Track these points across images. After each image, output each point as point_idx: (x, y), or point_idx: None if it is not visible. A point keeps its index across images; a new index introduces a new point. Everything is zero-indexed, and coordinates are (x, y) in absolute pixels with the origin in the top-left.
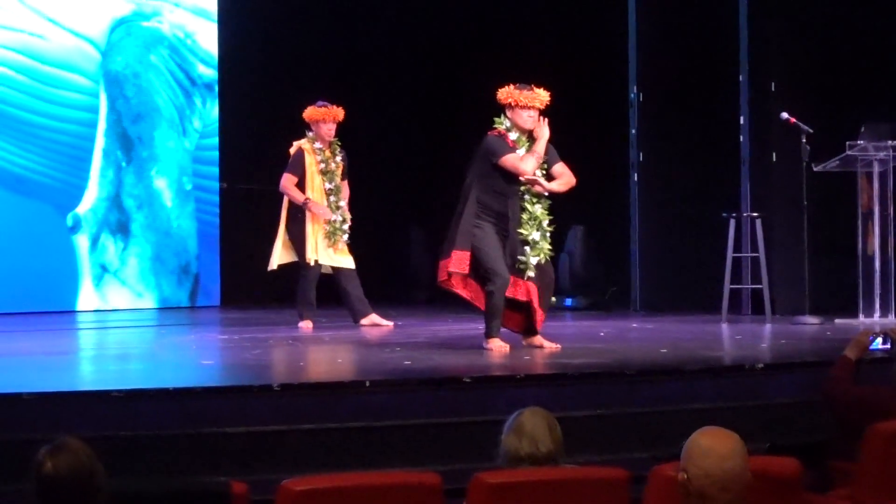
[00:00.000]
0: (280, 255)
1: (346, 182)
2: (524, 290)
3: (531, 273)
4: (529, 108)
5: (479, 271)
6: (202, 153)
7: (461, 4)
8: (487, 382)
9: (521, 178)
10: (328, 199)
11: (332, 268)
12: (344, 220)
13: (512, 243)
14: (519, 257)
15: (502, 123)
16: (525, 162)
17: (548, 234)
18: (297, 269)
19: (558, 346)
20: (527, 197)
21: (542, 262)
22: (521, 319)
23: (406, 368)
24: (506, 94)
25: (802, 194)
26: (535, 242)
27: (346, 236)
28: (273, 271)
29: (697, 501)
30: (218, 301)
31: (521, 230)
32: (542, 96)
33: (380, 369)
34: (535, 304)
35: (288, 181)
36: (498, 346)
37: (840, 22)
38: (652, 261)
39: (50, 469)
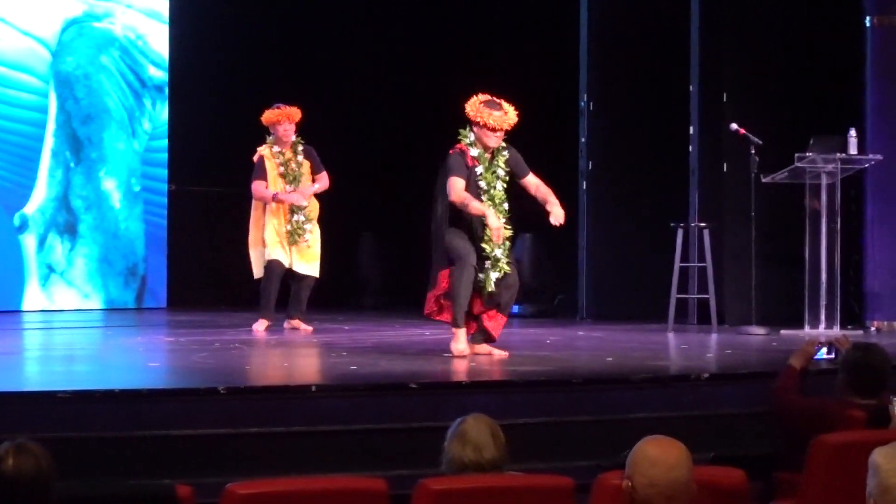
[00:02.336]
0: (278, 251)
1: (323, 174)
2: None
3: (490, 289)
4: (497, 129)
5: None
6: (151, 155)
7: (414, 12)
8: (434, 389)
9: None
10: None
11: (296, 273)
12: (307, 220)
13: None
14: (479, 274)
15: (466, 137)
16: (463, 196)
17: (507, 252)
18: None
19: (506, 353)
20: (489, 212)
21: (504, 273)
22: (473, 325)
23: (352, 374)
24: (475, 111)
25: (751, 205)
26: (497, 259)
27: (307, 235)
28: (220, 274)
29: None
30: (164, 303)
31: (484, 245)
32: (510, 118)
33: (326, 374)
34: (485, 317)
35: (257, 186)
36: (459, 351)
37: (791, 36)
38: (600, 269)
39: (10, 468)
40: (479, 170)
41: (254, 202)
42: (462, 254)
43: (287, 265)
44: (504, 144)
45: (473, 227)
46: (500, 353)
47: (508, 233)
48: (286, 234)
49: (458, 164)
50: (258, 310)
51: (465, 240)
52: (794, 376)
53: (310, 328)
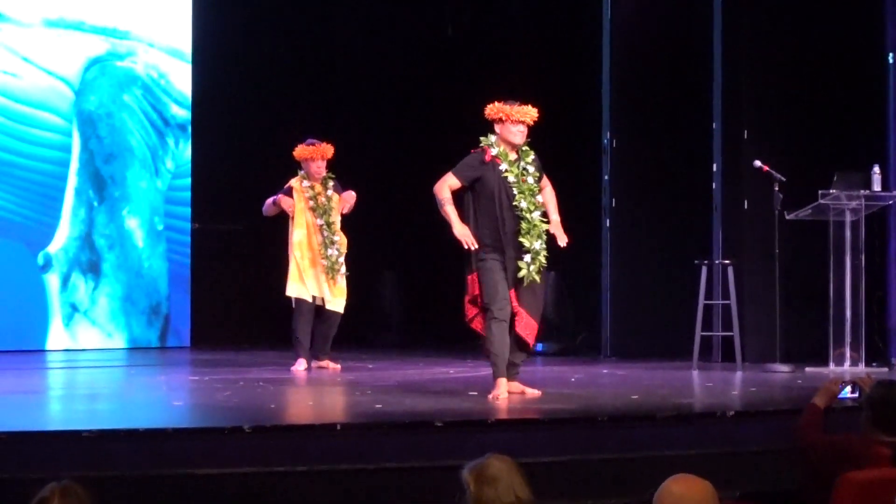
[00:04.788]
0: (296, 288)
1: (349, 192)
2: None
3: (536, 278)
4: (520, 122)
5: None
6: (174, 194)
7: (437, 47)
8: (458, 427)
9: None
10: (322, 235)
11: (324, 310)
12: (340, 254)
13: (512, 263)
14: (519, 263)
15: (488, 141)
16: (444, 196)
17: (545, 245)
18: (271, 306)
19: (538, 392)
20: (524, 205)
21: (539, 274)
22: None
23: (377, 412)
24: (495, 109)
25: (774, 242)
26: (537, 252)
27: (343, 269)
28: (244, 312)
29: None
30: (188, 342)
31: (522, 240)
32: (532, 112)
33: (351, 412)
34: (522, 316)
35: (268, 202)
36: (503, 397)
37: (813, 72)
38: (623, 307)
39: None
40: (504, 166)
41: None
42: (491, 301)
43: (308, 299)
44: (527, 148)
45: (505, 222)
46: (532, 392)
47: (545, 226)
48: (322, 269)
49: (467, 164)
50: (293, 349)
51: (497, 275)
52: (817, 415)
53: (338, 366)
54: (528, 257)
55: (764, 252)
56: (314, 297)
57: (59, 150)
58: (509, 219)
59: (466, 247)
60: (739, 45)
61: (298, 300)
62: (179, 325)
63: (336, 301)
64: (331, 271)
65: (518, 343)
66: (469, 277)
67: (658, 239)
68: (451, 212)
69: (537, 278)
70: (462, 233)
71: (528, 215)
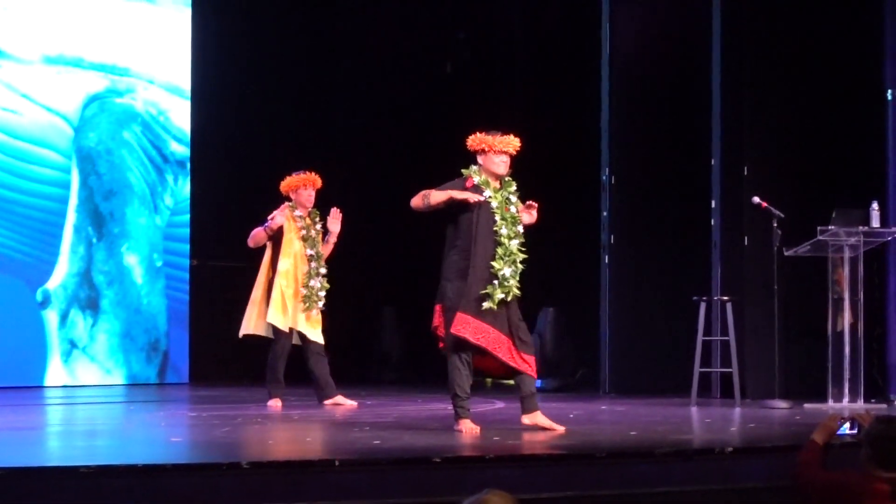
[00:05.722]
0: (254, 324)
1: (329, 245)
2: (487, 339)
3: (493, 306)
4: (503, 153)
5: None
6: (173, 230)
7: (436, 84)
8: (457, 463)
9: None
10: (309, 265)
11: (301, 340)
12: (322, 287)
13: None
14: (482, 292)
15: (470, 171)
16: (423, 194)
17: (518, 273)
18: (267, 341)
19: (562, 428)
20: (504, 231)
21: (508, 299)
22: (496, 364)
23: (375, 448)
24: (478, 140)
25: (773, 278)
26: (505, 279)
27: (321, 303)
28: (243, 348)
29: None
30: (187, 378)
31: (494, 263)
32: (515, 141)
33: (349, 448)
34: (500, 356)
35: (256, 230)
36: (468, 429)
37: (813, 108)
38: (622, 343)
39: None
40: (488, 193)
41: (263, 264)
42: (461, 348)
43: (286, 328)
44: (509, 179)
45: (480, 248)
46: (557, 427)
47: (522, 255)
48: (301, 298)
49: (449, 185)
50: (266, 385)
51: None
52: (816, 451)
53: (354, 403)
54: (495, 282)
55: (763, 288)
56: (290, 331)
57: (58, 186)
58: (487, 245)
59: (474, 201)
60: (739, 82)
61: (277, 332)
62: (178, 361)
63: (315, 332)
64: (308, 300)
65: (529, 394)
66: (437, 306)
67: (657, 275)
68: (441, 193)
69: (493, 307)
70: (464, 194)
71: (506, 241)
